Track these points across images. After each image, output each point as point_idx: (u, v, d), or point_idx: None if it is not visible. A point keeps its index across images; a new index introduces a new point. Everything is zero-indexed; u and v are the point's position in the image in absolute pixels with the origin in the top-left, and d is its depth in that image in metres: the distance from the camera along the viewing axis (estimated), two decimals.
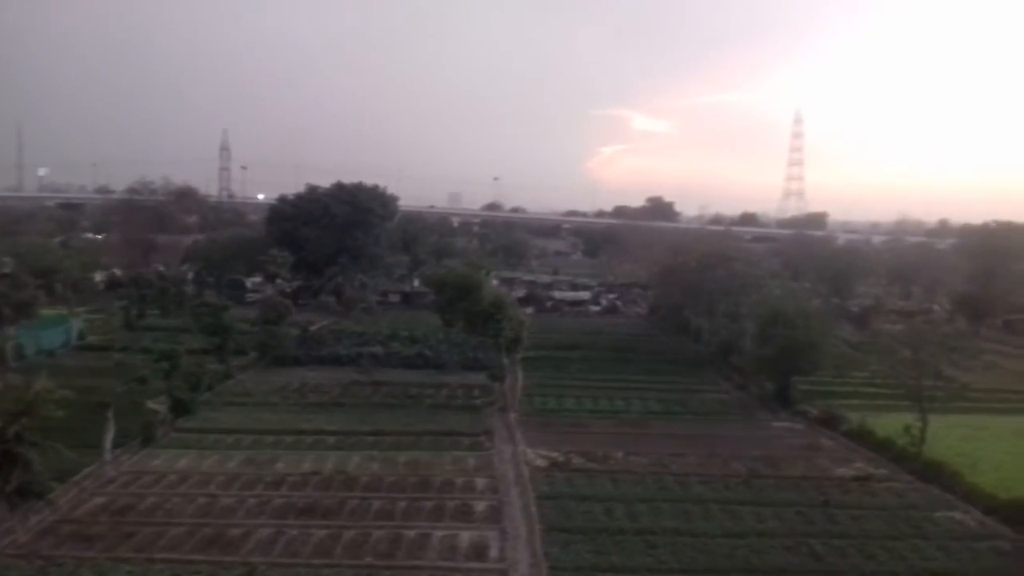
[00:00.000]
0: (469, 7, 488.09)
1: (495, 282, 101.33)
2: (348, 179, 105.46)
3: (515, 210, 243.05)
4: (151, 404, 48.27)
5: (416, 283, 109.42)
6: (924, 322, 76.78)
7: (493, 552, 30.77)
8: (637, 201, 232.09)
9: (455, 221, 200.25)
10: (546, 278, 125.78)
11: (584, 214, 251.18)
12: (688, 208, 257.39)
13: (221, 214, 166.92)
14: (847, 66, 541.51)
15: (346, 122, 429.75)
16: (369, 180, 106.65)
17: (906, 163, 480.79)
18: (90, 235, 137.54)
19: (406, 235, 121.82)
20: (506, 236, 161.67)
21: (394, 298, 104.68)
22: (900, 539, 33.08)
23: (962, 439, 46.22)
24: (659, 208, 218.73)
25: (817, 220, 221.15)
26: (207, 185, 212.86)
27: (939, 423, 44.94)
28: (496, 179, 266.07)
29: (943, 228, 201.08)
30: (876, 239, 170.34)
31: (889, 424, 46.89)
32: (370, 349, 67.14)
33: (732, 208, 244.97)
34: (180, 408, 47.43)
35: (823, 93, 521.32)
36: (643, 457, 43.27)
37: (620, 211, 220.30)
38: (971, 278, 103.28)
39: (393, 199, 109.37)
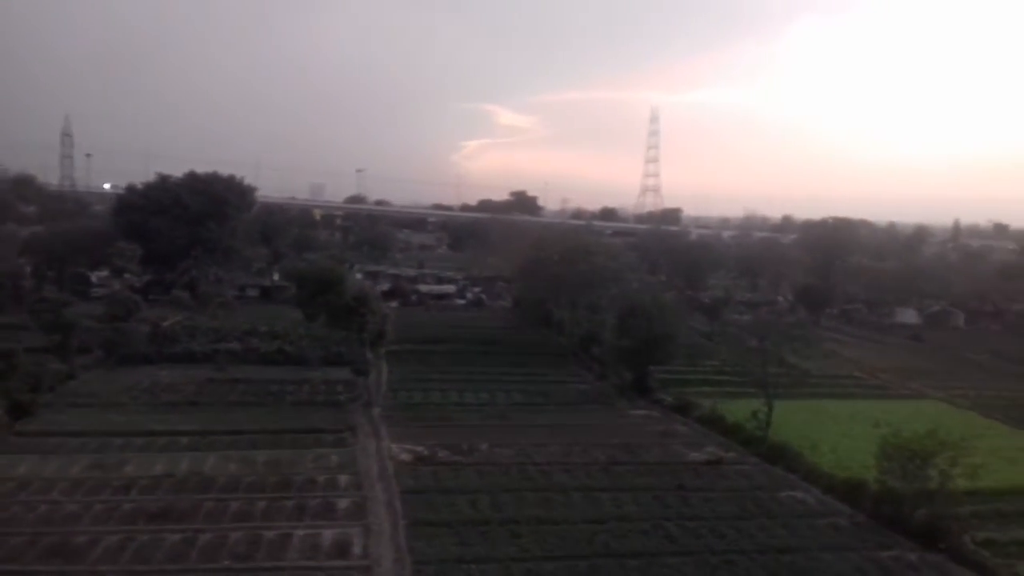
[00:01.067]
0: None
1: (359, 276, 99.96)
2: (202, 169, 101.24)
3: (379, 203, 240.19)
4: None
5: (276, 277, 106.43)
6: (769, 313, 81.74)
7: (356, 549, 30.44)
8: (502, 195, 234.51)
9: (317, 213, 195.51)
10: (411, 272, 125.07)
11: (449, 207, 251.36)
12: (551, 202, 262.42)
13: (63, 204, 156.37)
14: (700, 68, 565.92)
15: (201, 110, 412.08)
16: (225, 170, 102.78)
17: (753, 163, 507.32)
18: None
19: (265, 227, 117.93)
20: (370, 229, 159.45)
21: (252, 292, 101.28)
22: (748, 519, 35.03)
23: (804, 422, 49.29)
24: (523, 202, 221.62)
25: (672, 216, 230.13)
26: (47, 173, 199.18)
27: (783, 408, 47.75)
28: (360, 171, 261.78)
29: (786, 224, 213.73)
30: (726, 234, 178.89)
31: (738, 410, 49.54)
32: (227, 345, 64.79)
33: (593, 203, 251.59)
34: (18, 410, 44.46)
35: (679, 93, 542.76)
36: (508, 448, 43.87)
37: (485, 205, 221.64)
38: (811, 271, 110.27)
39: (250, 190, 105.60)
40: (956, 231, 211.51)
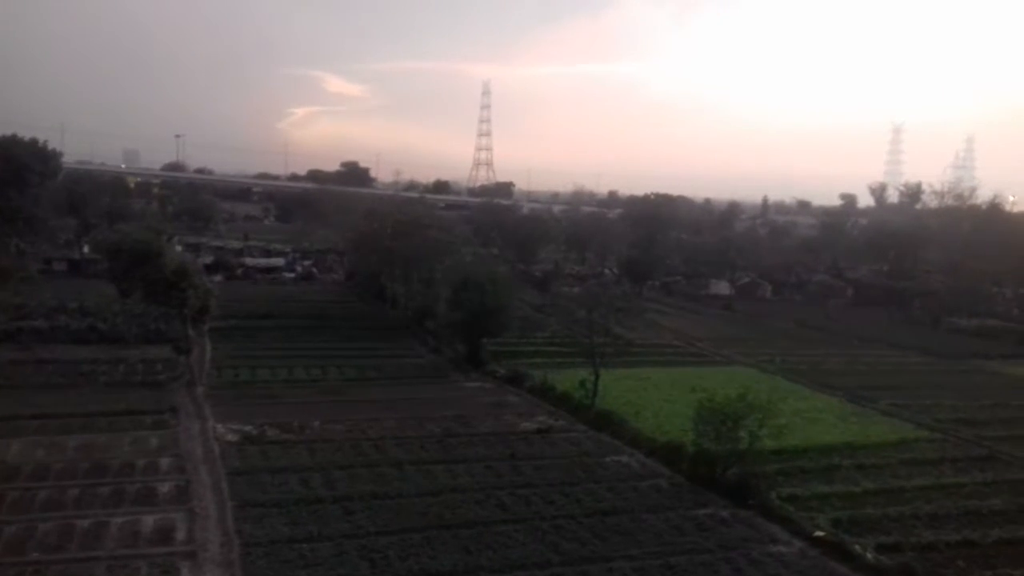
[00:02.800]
0: None
1: (179, 248, 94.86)
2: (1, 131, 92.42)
3: (200, 171, 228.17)
4: None
5: (86, 249, 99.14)
6: (596, 285, 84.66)
7: (180, 534, 29.18)
8: (332, 165, 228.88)
9: (131, 181, 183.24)
10: (236, 244, 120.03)
11: (276, 177, 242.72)
12: (383, 174, 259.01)
13: None
14: (534, 43, 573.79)
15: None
16: (26, 133, 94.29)
17: (583, 139, 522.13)
18: None
19: (72, 196, 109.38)
20: (191, 199, 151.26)
21: (60, 266, 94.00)
22: (576, 484, 36.38)
23: (628, 390, 51.57)
24: (354, 173, 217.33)
25: (504, 189, 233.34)
26: None
27: (609, 376, 49.77)
28: (179, 137, 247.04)
29: (612, 199, 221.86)
30: (556, 208, 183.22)
31: (567, 379, 51.24)
32: (31, 323, 59.75)
33: (426, 175, 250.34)
34: None
35: (513, 67, 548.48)
36: (340, 424, 43.29)
37: (314, 175, 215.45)
38: (635, 244, 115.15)
39: (55, 155, 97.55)
40: (764, 207, 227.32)
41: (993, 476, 40.12)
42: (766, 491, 35.28)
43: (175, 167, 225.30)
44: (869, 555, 29.79)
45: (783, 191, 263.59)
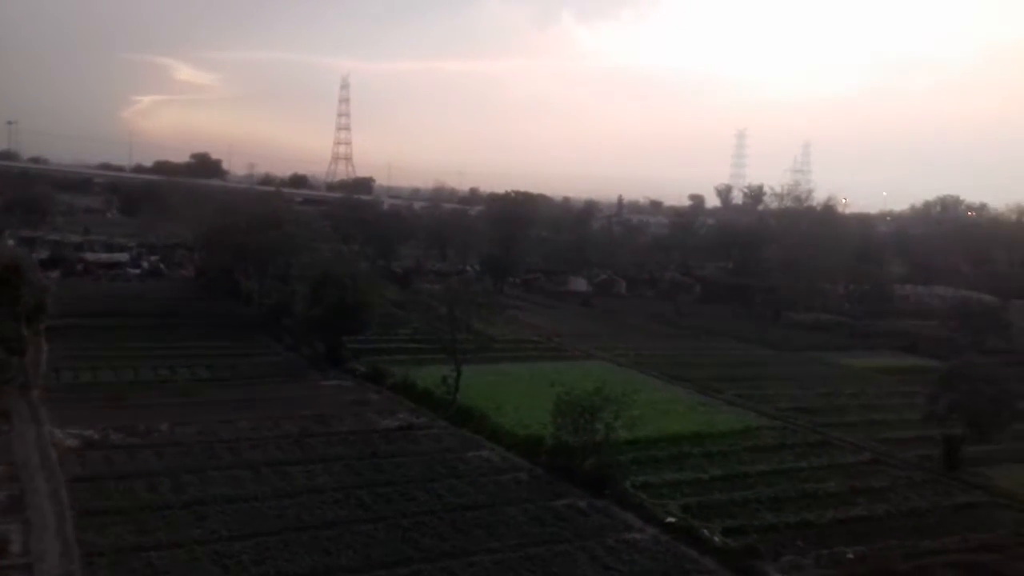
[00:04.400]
0: None
1: (11, 242, 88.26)
2: None
3: (35, 160, 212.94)
4: None
5: None
6: (458, 282, 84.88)
7: (15, 547, 27.34)
8: (181, 157, 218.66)
9: None
10: (75, 238, 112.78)
11: (120, 168, 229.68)
12: (236, 167, 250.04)
13: None
14: (394, 37, 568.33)
15: None
16: None
17: (444, 136, 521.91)
18: None
19: None
20: (24, 189, 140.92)
21: None
22: (437, 480, 36.48)
23: (489, 385, 52.05)
24: (205, 165, 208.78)
25: (364, 185, 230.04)
26: None
27: (471, 372, 50.07)
28: (11, 123, 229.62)
29: (474, 196, 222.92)
30: (417, 205, 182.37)
31: (429, 376, 51.23)
32: None
33: (282, 169, 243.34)
34: None
35: (373, 61, 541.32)
36: (191, 427, 41.62)
37: (162, 166, 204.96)
38: (496, 241, 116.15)
39: None
40: (620, 206, 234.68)
41: (828, 460, 43.26)
42: (621, 480, 36.56)
43: (6, 156, 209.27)
44: (716, 538, 31.47)
45: (637, 191, 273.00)
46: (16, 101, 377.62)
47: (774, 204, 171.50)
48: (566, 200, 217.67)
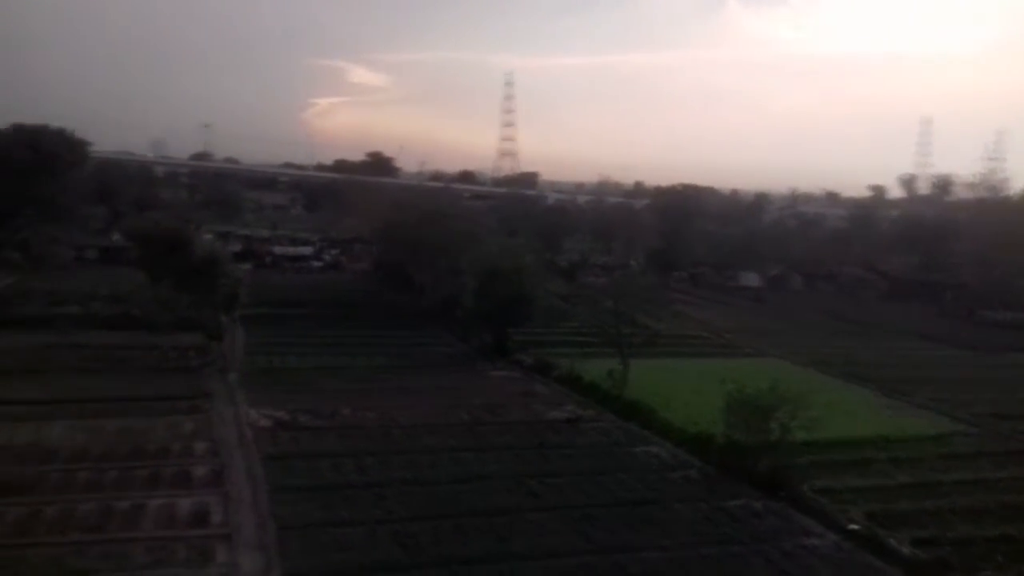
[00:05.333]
0: None
1: (208, 236, 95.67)
2: (30, 120, 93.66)
3: (228, 160, 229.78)
4: None
5: (116, 237, 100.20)
6: (623, 275, 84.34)
7: (216, 517, 29.45)
8: (357, 155, 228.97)
9: (160, 171, 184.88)
10: (264, 233, 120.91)
11: (302, 167, 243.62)
12: (408, 164, 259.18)
13: None
14: (558, 32, 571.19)
15: (27, 60, 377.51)
16: (55, 123, 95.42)
17: (608, 129, 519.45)
18: None
19: (102, 185, 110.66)
20: (219, 188, 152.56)
21: (91, 254, 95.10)
22: (606, 473, 36.33)
23: (657, 380, 51.32)
24: (380, 163, 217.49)
25: (529, 179, 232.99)
26: None
27: (637, 367, 49.62)
28: (207, 126, 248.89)
29: (638, 190, 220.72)
30: (581, 199, 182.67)
31: (595, 369, 51.13)
32: (66, 309, 60.54)
33: (451, 165, 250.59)
34: None
35: (537, 57, 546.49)
36: (371, 412, 43.52)
37: (340, 165, 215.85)
38: (662, 235, 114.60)
39: (83, 144, 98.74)
40: (793, 199, 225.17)
41: None
42: (798, 483, 35.02)
43: (203, 156, 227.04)
44: (905, 549, 29.50)
45: (812, 182, 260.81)
46: (210, 105, 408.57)
47: (966, 194, 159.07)
48: (735, 193, 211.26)
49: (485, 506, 31.87)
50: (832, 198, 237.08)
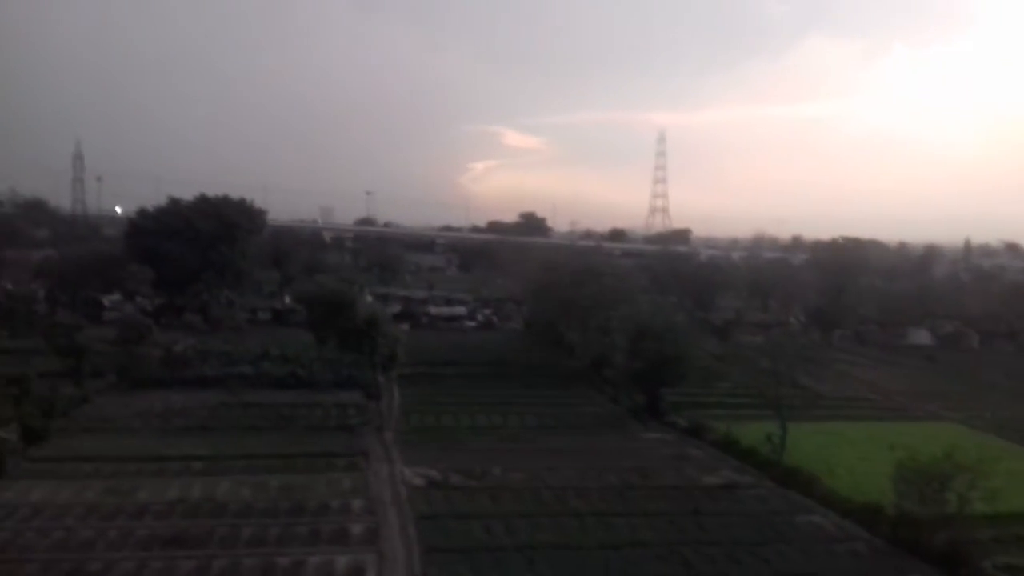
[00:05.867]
0: (338, 19, 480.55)
1: (369, 298, 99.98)
2: (213, 192, 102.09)
3: (388, 225, 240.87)
4: (0, 433, 44.87)
5: (287, 300, 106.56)
6: (781, 334, 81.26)
7: (370, 575, 30.23)
8: (510, 216, 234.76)
9: (327, 236, 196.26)
10: (421, 293, 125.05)
11: (458, 229, 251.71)
12: (560, 223, 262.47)
13: (74, 228, 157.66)
14: (708, 88, 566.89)
15: (210, 132, 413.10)
16: (235, 193, 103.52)
17: (762, 183, 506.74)
18: None
19: (276, 250, 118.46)
20: (380, 251, 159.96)
21: (264, 316, 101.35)
22: (765, 544, 34.67)
23: (819, 446, 48.87)
24: (532, 223, 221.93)
25: (681, 236, 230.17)
26: (58, 197, 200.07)
27: (798, 431, 47.37)
28: (369, 193, 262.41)
29: (796, 244, 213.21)
30: (735, 255, 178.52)
31: (752, 433, 49.18)
32: (239, 369, 64.81)
33: (601, 224, 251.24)
34: (32, 436, 44.45)
35: (687, 112, 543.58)
36: (521, 472, 43.65)
37: (494, 226, 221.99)
38: (823, 291, 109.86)
39: (260, 213, 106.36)
40: (967, 250, 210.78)
41: None
42: (978, 560, 32.18)
43: (366, 222, 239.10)
44: None
45: (988, 233, 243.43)
46: (374, 172, 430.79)
47: None
48: (901, 245, 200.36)
49: (637, 574, 31.14)
50: (1012, 249, 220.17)
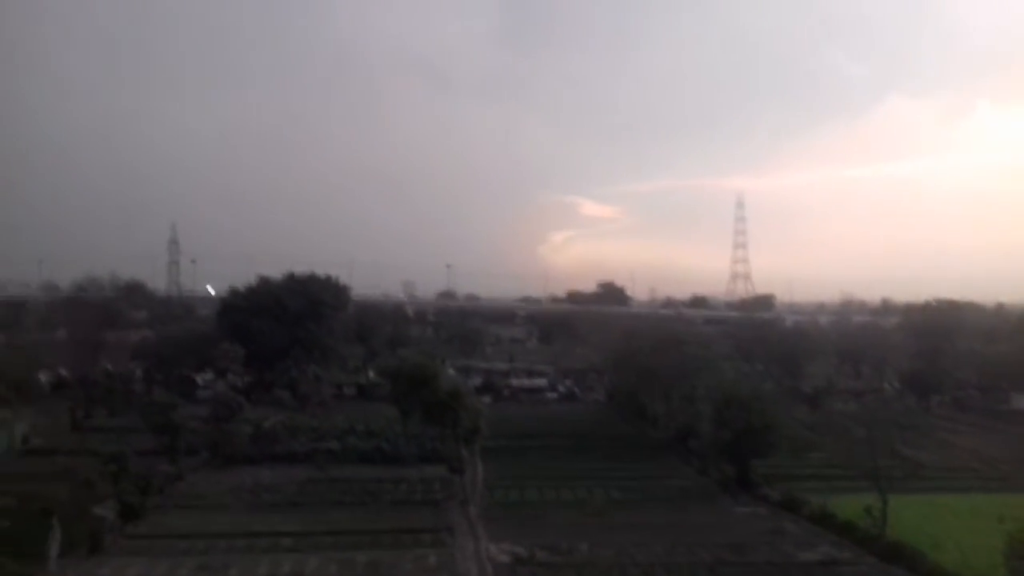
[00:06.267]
0: (418, 99, 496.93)
1: (451, 371, 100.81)
2: (300, 269, 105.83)
3: (469, 297, 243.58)
4: (98, 510, 46.38)
5: (371, 375, 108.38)
6: (875, 401, 78.41)
7: None
8: (589, 285, 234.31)
9: (409, 310, 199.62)
10: (502, 365, 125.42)
11: (537, 300, 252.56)
12: (639, 292, 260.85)
13: (170, 308, 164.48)
14: (786, 151, 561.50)
15: (298, 211, 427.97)
16: (321, 270, 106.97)
17: (846, 245, 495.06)
18: (35, 334, 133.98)
19: (360, 326, 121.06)
20: (461, 324, 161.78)
21: (349, 390, 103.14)
22: None
23: (922, 518, 46.57)
24: (611, 292, 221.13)
25: (765, 302, 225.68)
26: (155, 279, 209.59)
27: (899, 503, 45.27)
28: (449, 266, 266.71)
29: (886, 307, 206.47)
30: (822, 319, 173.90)
31: (850, 505, 47.20)
32: (326, 445, 65.85)
33: (682, 291, 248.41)
34: (129, 513, 45.81)
35: (765, 176, 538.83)
36: (607, 548, 42.71)
37: (573, 296, 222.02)
38: (918, 356, 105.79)
39: (345, 289, 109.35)
40: None
41: None
42: None
43: (447, 295, 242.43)
44: None
45: None
46: (454, 245, 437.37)
47: None
48: (1000, 307, 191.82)
49: None
50: None
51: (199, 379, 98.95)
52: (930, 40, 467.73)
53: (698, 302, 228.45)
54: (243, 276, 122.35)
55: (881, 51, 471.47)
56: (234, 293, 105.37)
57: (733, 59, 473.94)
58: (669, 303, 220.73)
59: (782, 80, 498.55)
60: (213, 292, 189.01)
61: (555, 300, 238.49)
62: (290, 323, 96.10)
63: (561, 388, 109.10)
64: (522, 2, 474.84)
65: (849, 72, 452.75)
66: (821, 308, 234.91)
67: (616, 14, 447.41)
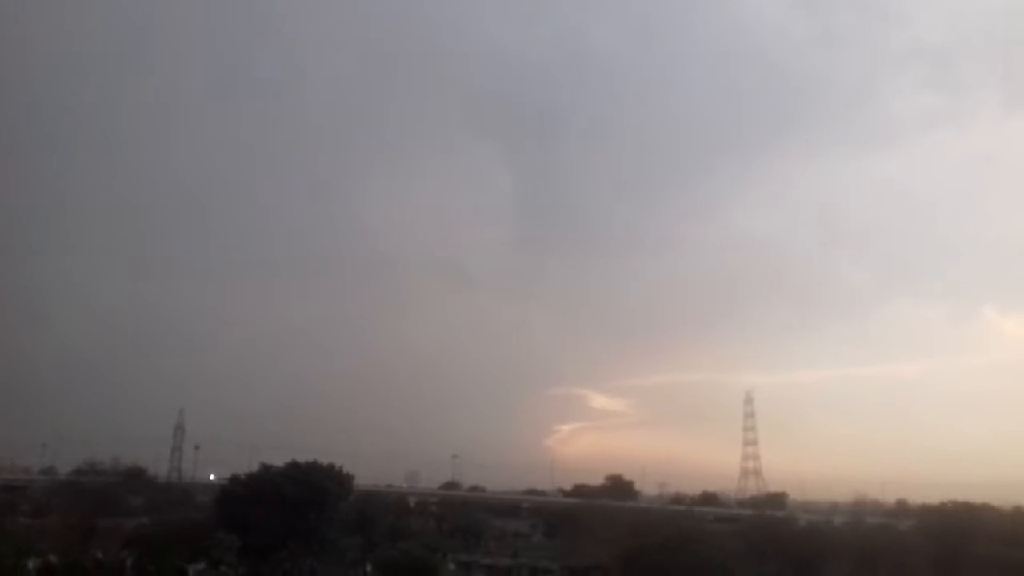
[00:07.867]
0: (429, 295, 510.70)
1: (451, 566, 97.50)
2: (304, 457, 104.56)
3: (474, 488, 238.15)
4: None
5: (368, 568, 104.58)
6: None
7: None
8: (597, 479, 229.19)
9: (412, 500, 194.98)
10: (505, 561, 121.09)
11: (543, 492, 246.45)
12: (648, 486, 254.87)
13: (170, 495, 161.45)
14: (795, 349, 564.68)
15: (305, 401, 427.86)
16: (325, 458, 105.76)
17: (860, 445, 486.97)
18: (28, 519, 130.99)
19: (361, 515, 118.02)
20: (464, 516, 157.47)
21: None
22: None
23: None
24: (619, 486, 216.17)
25: (777, 500, 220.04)
26: (157, 465, 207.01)
27: None
28: (455, 457, 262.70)
29: (901, 508, 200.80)
30: (837, 519, 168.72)
31: None
32: None
33: (691, 486, 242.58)
34: None
35: (775, 373, 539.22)
36: None
37: (580, 489, 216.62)
38: (935, 559, 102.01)
39: (348, 478, 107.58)
40: None
41: None
42: None
43: (451, 486, 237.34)
44: None
45: None
46: (460, 435, 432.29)
47: None
48: (1017, 510, 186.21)
49: None
50: None
51: (191, 570, 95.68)
52: (932, 250, 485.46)
53: (708, 499, 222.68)
54: (247, 463, 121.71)
55: (883, 258, 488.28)
56: (234, 480, 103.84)
57: (738, 261, 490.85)
58: (679, 499, 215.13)
59: (790, 285, 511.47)
60: (214, 478, 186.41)
61: (562, 492, 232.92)
62: (288, 512, 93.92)
63: None
64: (539, 212, 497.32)
65: (853, 277, 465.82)
66: (834, 507, 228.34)
67: (626, 222, 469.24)
